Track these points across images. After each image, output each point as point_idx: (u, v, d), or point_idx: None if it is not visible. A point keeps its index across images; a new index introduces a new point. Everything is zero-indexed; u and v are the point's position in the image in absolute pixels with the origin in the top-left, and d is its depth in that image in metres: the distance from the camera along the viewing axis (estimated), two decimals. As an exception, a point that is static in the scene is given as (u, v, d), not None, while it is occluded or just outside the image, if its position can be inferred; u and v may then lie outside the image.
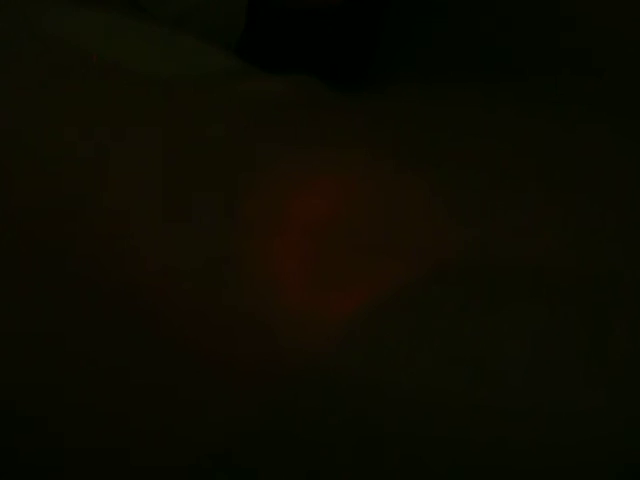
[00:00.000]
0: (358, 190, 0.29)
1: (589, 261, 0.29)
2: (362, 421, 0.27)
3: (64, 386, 0.28)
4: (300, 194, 0.29)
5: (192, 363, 0.28)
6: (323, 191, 0.29)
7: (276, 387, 0.27)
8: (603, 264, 0.29)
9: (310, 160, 0.30)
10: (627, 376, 0.28)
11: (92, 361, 0.28)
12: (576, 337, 0.28)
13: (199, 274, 0.28)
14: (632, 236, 0.30)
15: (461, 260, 0.28)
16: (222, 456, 0.28)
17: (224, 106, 0.32)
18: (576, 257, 0.29)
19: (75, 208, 0.29)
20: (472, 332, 0.28)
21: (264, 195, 0.29)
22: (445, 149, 0.31)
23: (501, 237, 0.29)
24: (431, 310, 0.28)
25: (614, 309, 0.28)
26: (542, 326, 0.28)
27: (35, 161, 0.30)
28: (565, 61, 0.35)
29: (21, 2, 0.32)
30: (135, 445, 0.28)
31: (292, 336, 0.28)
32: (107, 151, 0.30)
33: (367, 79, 0.41)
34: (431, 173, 0.30)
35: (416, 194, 0.30)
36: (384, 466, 0.27)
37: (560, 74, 0.35)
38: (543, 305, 0.28)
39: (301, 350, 0.27)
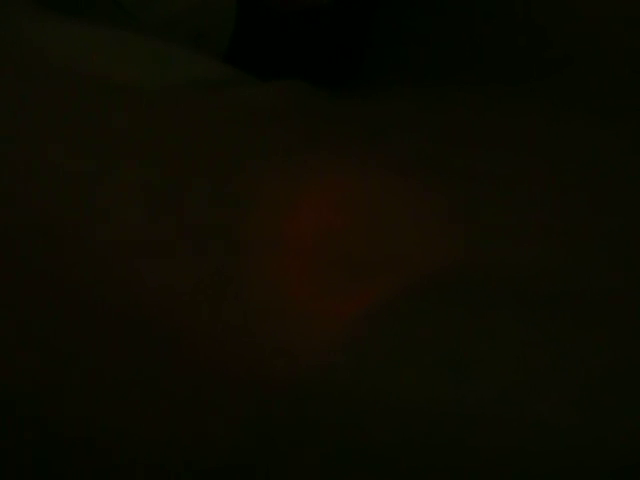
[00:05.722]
0: (350, 200, 0.30)
1: (578, 270, 0.29)
2: (356, 428, 0.27)
3: (66, 394, 0.29)
4: (294, 209, 0.29)
5: (192, 374, 0.28)
6: (315, 203, 0.29)
7: (270, 399, 0.28)
8: (591, 274, 0.29)
9: (302, 171, 0.30)
10: (614, 386, 0.28)
11: (94, 371, 0.29)
12: (563, 346, 0.28)
13: (197, 290, 0.28)
14: (622, 245, 0.30)
15: (454, 271, 0.28)
16: (222, 464, 0.28)
17: (213, 116, 0.32)
18: (565, 266, 0.29)
19: (69, 226, 0.29)
20: (459, 341, 0.28)
21: (258, 211, 0.29)
22: (436, 155, 0.31)
23: (490, 246, 0.29)
24: (420, 320, 0.28)
25: (600, 318, 0.28)
26: (528, 335, 0.28)
27: (23, 180, 0.30)
28: (552, 64, 0.35)
29: (3, 15, 0.32)
30: (137, 451, 0.28)
31: (287, 348, 0.28)
32: (97, 167, 0.30)
33: (358, 82, 0.41)
34: (422, 181, 0.30)
35: (407, 203, 0.30)
36: (380, 473, 0.27)
37: (549, 77, 0.35)
38: (530, 314, 0.28)
39: (296, 361, 0.28)
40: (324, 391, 0.27)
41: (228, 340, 0.28)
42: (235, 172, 0.30)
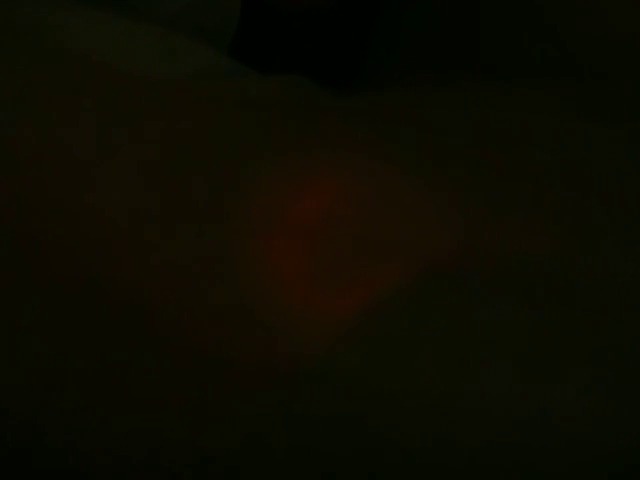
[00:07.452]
0: (353, 191, 0.30)
1: (583, 263, 0.29)
2: (361, 422, 0.27)
3: (60, 385, 0.28)
4: (296, 195, 0.29)
5: (190, 362, 0.28)
6: (319, 192, 0.29)
7: (273, 387, 0.27)
8: (598, 263, 0.29)
9: (305, 161, 0.30)
10: (625, 380, 0.27)
11: (89, 359, 0.28)
12: (569, 339, 0.28)
13: (197, 273, 0.28)
14: (625, 238, 0.30)
15: (455, 260, 0.28)
16: (218, 458, 0.28)
17: (218, 107, 0.32)
18: (570, 259, 0.29)
19: (71, 208, 0.29)
20: (465, 333, 0.28)
21: (261, 196, 0.29)
22: (438, 149, 0.31)
23: (495, 237, 0.29)
24: (425, 311, 0.28)
25: (609, 309, 0.28)
26: (536, 328, 0.28)
27: (28, 161, 0.30)
28: (550, 63, 0.36)
29: (13, 3, 0.32)
30: (132, 445, 0.28)
31: (289, 335, 0.27)
32: (101, 152, 0.30)
33: (359, 80, 0.41)
34: (425, 173, 0.30)
35: (410, 194, 0.30)
36: (384, 468, 0.27)
37: (550, 76, 0.35)
38: (538, 306, 0.28)
39: (298, 350, 0.27)
40: (326, 382, 0.27)
41: (227, 323, 0.28)
42: (237, 160, 0.30)
